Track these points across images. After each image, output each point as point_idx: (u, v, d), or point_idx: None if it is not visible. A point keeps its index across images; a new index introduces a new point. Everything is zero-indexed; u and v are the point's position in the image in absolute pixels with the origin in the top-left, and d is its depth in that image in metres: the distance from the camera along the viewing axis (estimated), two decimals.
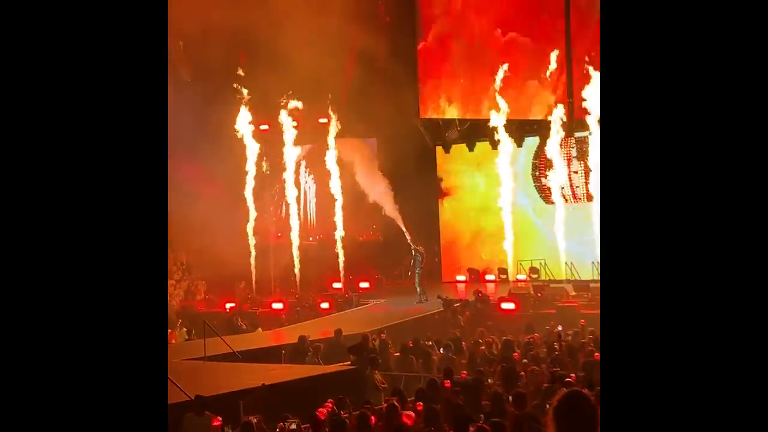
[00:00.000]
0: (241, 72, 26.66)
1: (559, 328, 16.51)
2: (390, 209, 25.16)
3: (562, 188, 25.67)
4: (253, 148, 27.39)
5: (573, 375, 10.55)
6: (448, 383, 10.47)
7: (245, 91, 26.76)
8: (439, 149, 29.66)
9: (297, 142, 27.78)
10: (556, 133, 24.88)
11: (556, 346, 13.80)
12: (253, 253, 27.14)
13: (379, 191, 25.32)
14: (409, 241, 24.38)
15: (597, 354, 12.32)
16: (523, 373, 11.31)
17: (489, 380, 11.03)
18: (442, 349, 14.46)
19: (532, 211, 27.38)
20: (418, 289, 23.21)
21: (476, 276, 27.37)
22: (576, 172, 26.17)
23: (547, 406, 4.17)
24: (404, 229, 24.66)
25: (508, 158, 26.04)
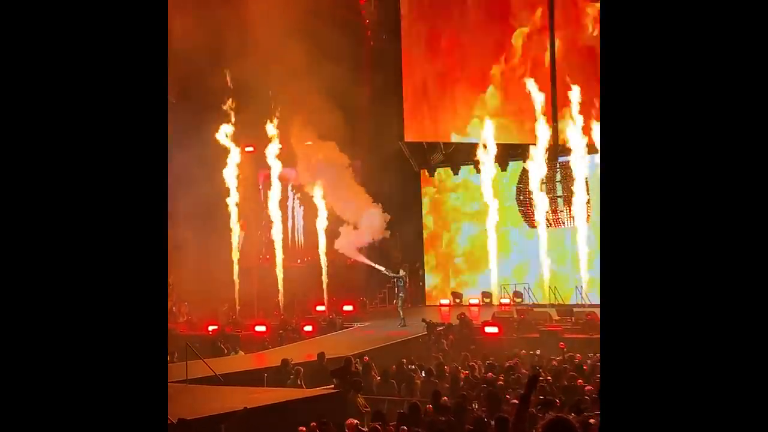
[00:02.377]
0: (228, 107, 26.72)
1: (538, 352, 16.53)
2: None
3: (546, 212, 25.74)
4: (235, 169, 27.42)
5: (557, 400, 10.52)
6: (430, 407, 10.43)
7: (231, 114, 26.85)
8: (424, 172, 29.74)
9: (283, 163, 27.80)
10: (540, 157, 24.96)
11: (541, 372, 13.77)
12: (237, 274, 27.04)
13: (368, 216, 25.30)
14: (384, 271, 24.33)
15: (580, 380, 12.32)
16: (507, 396, 11.28)
17: (474, 405, 10.97)
18: (424, 372, 14.42)
19: (517, 235, 27.45)
20: (400, 313, 23.17)
21: (460, 299, 27.36)
22: (560, 197, 26.29)
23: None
24: (374, 264, 24.69)
25: (492, 182, 26.12)
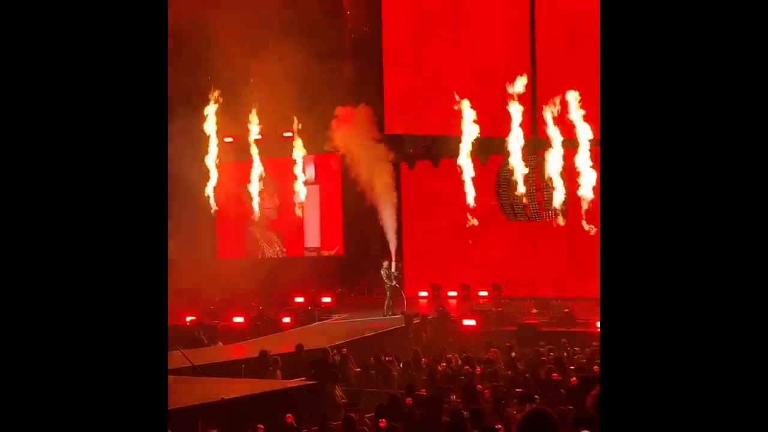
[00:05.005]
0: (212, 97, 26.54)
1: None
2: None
3: (525, 205, 25.82)
4: (215, 159, 27.32)
5: (537, 396, 10.58)
6: (409, 400, 10.47)
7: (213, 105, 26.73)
8: (403, 165, 29.71)
9: (262, 154, 27.74)
10: (519, 150, 24.99)
11: (519, 366, 13.86)
12: (215, 264, 26.96)
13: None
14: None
15: (555, 374, 12.41)
16: (480, 386, 11.36)
17: (452, 397, 11.02)
18: (401, 364, 14.47)
19: (496, 228, 27.49)
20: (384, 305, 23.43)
21: (438, 292, 27.40)
22: (540, 190, 26.37)
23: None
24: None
25: (472, 175, 26.12)
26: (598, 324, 17.99)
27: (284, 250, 30.26)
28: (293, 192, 27.35)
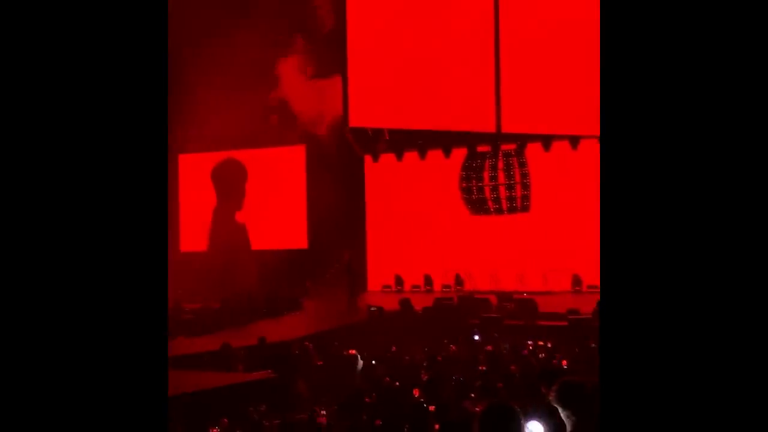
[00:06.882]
0: None
1: (476, 337, 16.73)
2: None
3: (489, 200, 25.96)
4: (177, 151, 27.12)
5: (500, 384, 10.63)
6: (372, 394, 10.47)
7: None
8: (368, 158, 29.70)
9: (223, 147, 27.61)
10: (483, 143, 25.13)
11: (481, 359, 13.91)
12: (178, 257, 26.75)
13: None
14: None
15: (513, 366, 12.48)
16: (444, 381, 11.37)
17: (415, 391, 11.03)
18: (368, 358, 14.46)
19: (459, 221, 27.62)
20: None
21: (401, 285, 27.47)
22: (503, 184, 26.51)
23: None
24: None
25: (436, 168, 26.23)
26: (564, 318, 18.22)
27: (249, 243, 30.17)
28: (259, 184, 27.25)
